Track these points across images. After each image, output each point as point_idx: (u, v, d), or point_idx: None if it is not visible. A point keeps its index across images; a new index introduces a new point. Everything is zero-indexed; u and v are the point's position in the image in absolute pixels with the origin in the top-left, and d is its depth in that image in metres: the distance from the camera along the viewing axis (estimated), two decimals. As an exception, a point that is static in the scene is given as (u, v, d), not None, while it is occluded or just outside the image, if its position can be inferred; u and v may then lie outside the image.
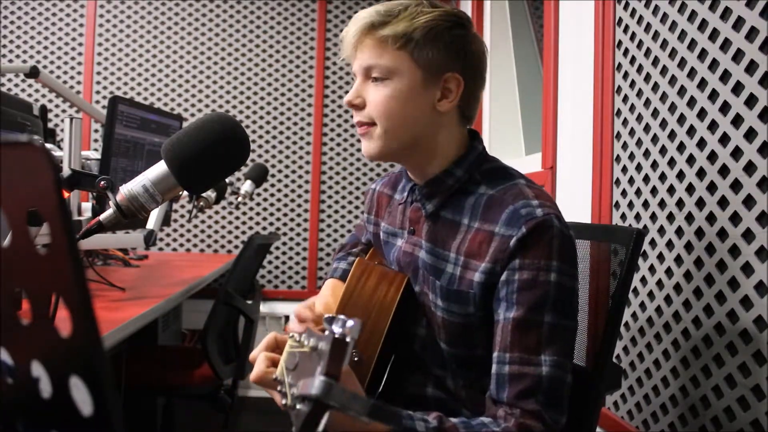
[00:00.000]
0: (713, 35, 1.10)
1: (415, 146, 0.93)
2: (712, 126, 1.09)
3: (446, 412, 0.87)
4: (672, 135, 1.22)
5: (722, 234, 1.06)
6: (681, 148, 1.19)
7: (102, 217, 0.84)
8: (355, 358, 0.88)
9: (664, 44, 1.26)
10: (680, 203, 1.19)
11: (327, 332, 0.54)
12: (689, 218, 1.16)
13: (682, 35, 1.19)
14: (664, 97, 1.25)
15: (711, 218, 1.09)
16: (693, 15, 1.16)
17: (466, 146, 0.96)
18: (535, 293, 0.82)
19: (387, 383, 1.04)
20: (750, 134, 1.00)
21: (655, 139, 1.29)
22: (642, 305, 1.31)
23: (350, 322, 0.53)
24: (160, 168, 0.83)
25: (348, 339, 0.52)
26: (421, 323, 0.97)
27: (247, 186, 2.40)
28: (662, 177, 1.25)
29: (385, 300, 0.93)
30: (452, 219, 0.93)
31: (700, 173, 1.13)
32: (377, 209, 1.12)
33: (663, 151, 1.26)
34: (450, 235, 0.92)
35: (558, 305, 0.82)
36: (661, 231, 1.25)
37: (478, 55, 0.93)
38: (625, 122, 1.43)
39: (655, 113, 1.29)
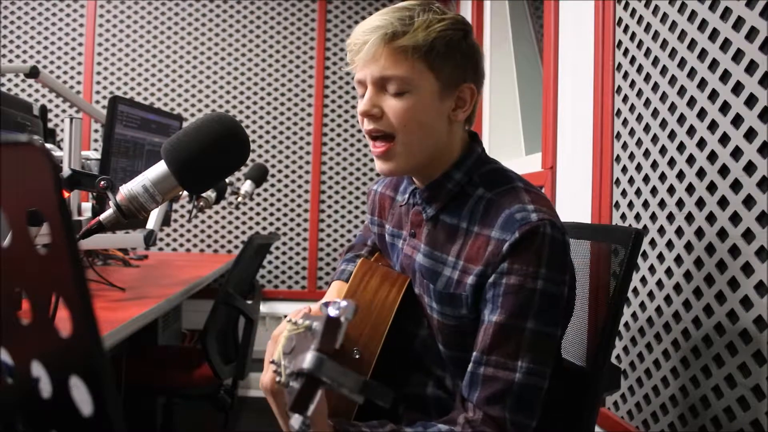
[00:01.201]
0: (713, 35, 1.10)
1: (431, 157, 0.92)
2: (712, 126, 1.09)
3: (446, 411, 0.89)
4: (672, 135, 1.22)
5: (722, 234, 1.06)
6: (681, 148, 1.19)
7: (102, 217, 0.84)
8: (356, 355, 0.88)
9: (664, 44, 1.26)
10: (680, 203, 1.19)
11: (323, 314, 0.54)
12: (689, 218, 1.16)
13: (682, 35, 1.19)
14: (664, 97, 1.25)
15: (711, 218, 1.09)
16: (693, 15, 1.16)
17: (466, 148, 0.96)
18: (519, 299, 0.82)
19: (387, 383, 1.04)
20: (750, 134, 1.00)
21: (655, 139, 1.29)
22: (642, 305, 1.31)
23: (344, 303, 0.53)
24: (160, 168, 0.83)
25: (342, 319, 0.52)
26: (422, 324, 0.97)
27: (247, 186, 2.40)
28: (662, 177, 1.25)
29: (387, 300, 0.93)
30: (451, 223, 0.93)
31: (700, 173, 1.13)
32: (380, 211, 1.12)
33: (663, 151, 1.26)
34: (449, 239, 0.92)
35: (541, 313, 0.83)
36: (661, 231, 1.25)
37: (482, 61, 0.94)
38: (625, 122, 1.43)
39: (655, 113, 1.29)
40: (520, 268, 0.82)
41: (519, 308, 0.82)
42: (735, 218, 1.03)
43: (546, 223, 0.83)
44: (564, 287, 0.86)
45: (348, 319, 0.53)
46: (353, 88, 3.39)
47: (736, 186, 1.03)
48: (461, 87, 0.90)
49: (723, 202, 1.06)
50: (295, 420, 0.51)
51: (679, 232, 1.19)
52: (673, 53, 1.23)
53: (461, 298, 0.88)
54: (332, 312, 0.53)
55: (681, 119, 1.19)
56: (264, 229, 3.39)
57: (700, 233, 1.12)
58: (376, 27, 0.86)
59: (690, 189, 1.16)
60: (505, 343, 0.82)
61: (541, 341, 0.83)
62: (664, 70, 1.26)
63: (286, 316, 0.80)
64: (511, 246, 0.83)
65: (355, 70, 0.90)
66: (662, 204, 1.25)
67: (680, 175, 1.19)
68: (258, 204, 3.39)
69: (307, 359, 0.51)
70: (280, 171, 3.38)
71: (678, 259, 1.19)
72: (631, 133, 1.39)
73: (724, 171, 1.06)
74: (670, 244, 1.22)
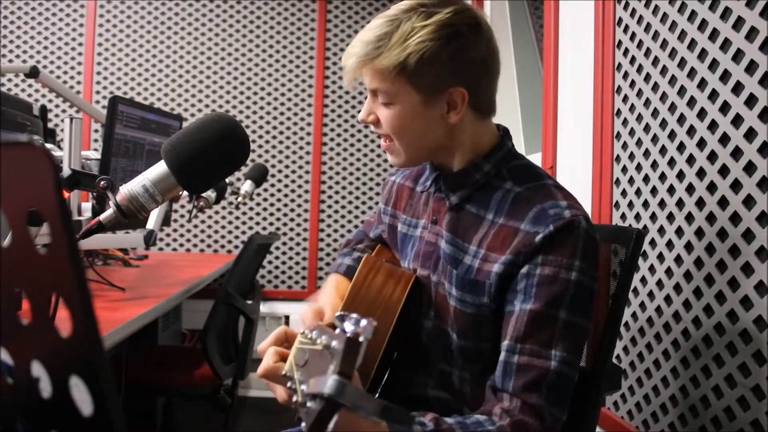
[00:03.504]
0: (713, 35, 1.10)
1: (438, 150, 0.95)
2: (712, 126, 1.09)
3: (447, 413, 0.87)
4: (672, 135, 1.22)
5: (722, 234, 1.06)
6: (681, 148, 1.19)
7: (102, 217, 0.84)
8: None
9: (664, 44, 1.26)
10: (680, 203, 1.19)
11: (338, 330, 0.54)
12: (689, 218, 1.16)
13: (682, 35, 1.19)
14: (664, 97, 1.25)
15: (711, 218, 1.09)
16: (693, 15, 1.16)
17: (495, 141, 0.96)
18: (553, 289, 0.83)
19: (389, 384, 1.03)
20: (750, 134, 1.00)
21: (655, 139, 1.29)
22: (642, 305, 1.31)
23: (363, 322, 0.53)
24: (160, 168, 0.83)
25: (361, 339, 0.52)
26: (428, 316, 0.97)
27: (247, 186, 2.40)
28: (662, 177, 1.25)
29: (392, 299, 0.93)
30: (476, 213, 0.93)
31: (700, 173, 1.13)
32: (396, 201, 1.12)
33: (663, 151, 1.25)
34: (472, 228, 0.93)
35: (575, 303, 0.83)
36: (661, 231, 1.25)
37: (482, 57, 0.90)
38: (625, 122, 1.43)
39: (655, 113, 1.29)
40: (555, 259, 0.83)
41: (553, 298, 0.83)
42: (735, 218, 1.03)
43: (581, 218, 0.85)
44: (596, 283, 0.87)
45: (367, 338, 0.53)
46: (353, 88, 3.38)
47: (736, 186, 1.03)
48: (448, 91, 0.89)
49: (723, 202, 1.06)
50: None
51: (679, 232, 1.19)
52: (673, 53, 1.23)
53: (484, 286, 0.88)
54: (350, 330, 0.53)
55: (681, 119, 1.19)
56: (264, 229, 3.39)
57: (700, 233, 1.12)
58: (353, 53, 0.89)
59: (690, 189, 1.16)
60: (539, 331, 0.82)
61: (574, 332, 0.83)
62: (664, 70, 1.26)
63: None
64: (545, 238, 0.83)
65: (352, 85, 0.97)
66: (662, 204, 1.25)
67: (680, 175, 1.19)
68: (258, 204, 3.39)
69: (328, 384, 0.50)
70: (280, 171, 3.38)
71: (678, 259, 1.19)
72: (631, 133, 1.39)
73: (724, 171, 1.06)
74: (670, 244, 1.22)
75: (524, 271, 0.85)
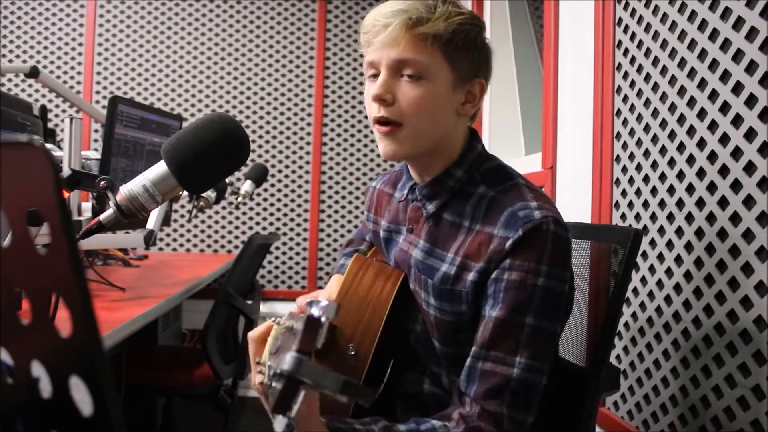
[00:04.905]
0: (713, 35, 1.10)
1: (434, 148, 0.92)
2: (712, 126, 1.09)
3: (444, 408, 0.89)
4: (672, 135, 1.22)
5: (722, 234, 1.06)
6: (681, 148, 1.19)
7: (102, 217, 0.84)
8: (351, 352, 0.88)
9: (664, 44, 1.26)
10: (680, 203, 1.19)
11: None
12: (689, 218, 1.16)
13: (682, 35, 1.19)
14: (664, 97, 1.25)
15: (711, 218, 1.09)
16: (693, 15, 1.16)
17: (466, 144, 0.96)
18: (520, 295, 0.82)
19: (387, 380, 1.04)
20: (750, 134, 1.00)
21: (655, 139, 1.29)
22: (642, 305, 1.31)
23: (324, 302, 0.53)
24: (160, 168, 0.83)
25: (323, 319, 0.53)
26: (417, 320, 0.97)
27: (247, 186, 2.40)
28: (662, 177, 1.25)
29: (381, 295, 0.93)
30: (453, 221, 0.93)
31: (700, 173, 1.13)
32: (377, 207, 1.12)
33: (663, 151, 1.26)
34: (450, 237, 0.92)
35: (541, 309, 0.83)
36: (661, 231, 1.25)
37: (492, 60, 0.95)
38: (625, 122, 1.43)
39: (655, 113, 1.29)
40: (522, 264, 0.83)
41: (519, 304, 0.82)
42: (735, 218, 1.03)
43: (549, 221, 0.84)
44: (566, 285, 0.86)
45: (329, 318, 0.53)
46: (353, 88, 3.39)
47: (736, 186, 1.03)
48: (473, 81, 0.91)
49: (723, 202, 1.06)
50: (279, 422, 0.51)
51: (679, 232, 1.19)
52: (673, 53, 1.23)
53: (461, 295, 0.88)
54: (314, 312, 0.53)
55: (681, 119, 1.19)
56: (264, 229, 3.39)
57: (700, 233, 1.12)
58: (400, 11, 0.86)
59: (690, 189, 1.16)
60: (504, 338, 0.82)
61: (541, 337, 0.83)
62: (664, 70, 1.26)
63: (267, 318, 0.82)
64: (514, 243, 0.83)
65: (368, 51, 0.90)
66: (662, 204, 1.25)
67: (680, 175, 1.19)
68: (258, 204, 3.39)
69: (287, 360, 0.51)
70: (280, 171, 3.38)
71: (678, 259, 1.19)
72: (631, 133, 1.39)
73: (724, 171, 1.06)
74: (670, 244, 1.22)
75: (494, 276, 0.85)
